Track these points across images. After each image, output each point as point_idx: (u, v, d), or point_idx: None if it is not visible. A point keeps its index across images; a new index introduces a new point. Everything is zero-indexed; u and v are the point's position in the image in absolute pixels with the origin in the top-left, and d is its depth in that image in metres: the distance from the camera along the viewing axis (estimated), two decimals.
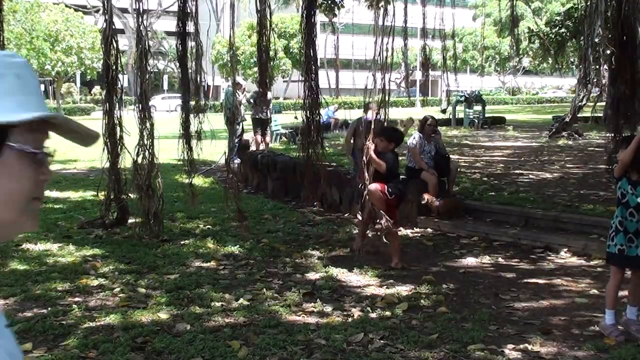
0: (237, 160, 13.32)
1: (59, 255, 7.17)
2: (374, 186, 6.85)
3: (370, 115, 8.26)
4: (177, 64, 8.02)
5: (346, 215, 9.39)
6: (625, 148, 4.70)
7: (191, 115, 8.04)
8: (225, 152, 8.91)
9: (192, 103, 8.20)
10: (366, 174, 6.73)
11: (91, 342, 4.62)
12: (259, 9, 7.94)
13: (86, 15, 45.76)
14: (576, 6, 20.51)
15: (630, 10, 8.60)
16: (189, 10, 8.07)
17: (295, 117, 12.18)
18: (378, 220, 6.80)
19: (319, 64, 8.41)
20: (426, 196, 8.65)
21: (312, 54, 8.08)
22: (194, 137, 8.05)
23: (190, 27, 8.14)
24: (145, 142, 7.86)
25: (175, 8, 8.25)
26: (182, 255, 7.22)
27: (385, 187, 6.89)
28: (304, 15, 8.07)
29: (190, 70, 8.01)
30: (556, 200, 9.01)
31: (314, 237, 8.11)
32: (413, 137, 9.24)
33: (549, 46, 24.87)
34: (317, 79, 8.12)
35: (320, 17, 15.49)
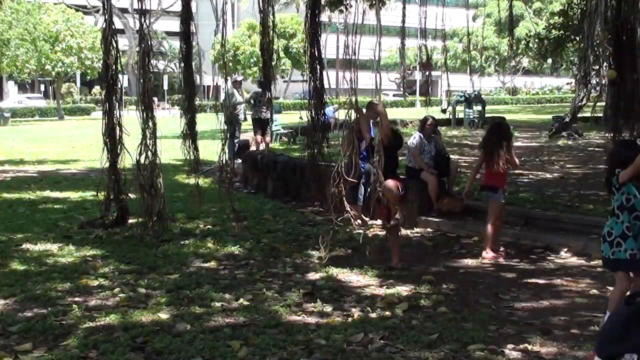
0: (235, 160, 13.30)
1: (59, 255, 7.17)
2: (392, 182, 6.68)
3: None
4: (178, 64, 8.02)
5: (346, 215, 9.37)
6: (632, 153, 4.58)
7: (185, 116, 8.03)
8: (225, 152, 8.90)
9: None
10: (379, 171, 6.51)
11: (91, 342, 4.62)
12: (262, 9, 7.94)
13: (86, 16, 45.77)
14: (572, 6, 20.48)
15: (630, 11, 8.60)
16: (192, 11, 8.08)
17: (300, 118, 12.18)
18: (393, 217, 6.76)
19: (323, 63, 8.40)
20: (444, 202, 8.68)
21: (316, 54, 8.07)
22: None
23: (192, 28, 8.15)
24: (148, 141, 7.86)
25: (174, 8, 8.25)
26: (182, 255, 7.22)
27: (399, 183, 6.80)
28: (309, 14, 8.06)
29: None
30: (556, 200, 9.01)
31: (314, 237, 8.10)
32: (413, 137, 9.24)
33: (547, 47, 24.86)
34: (322, 78, 8.11)
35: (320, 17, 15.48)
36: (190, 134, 8.05)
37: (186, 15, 7.94)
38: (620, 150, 4.84)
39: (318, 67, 8.07)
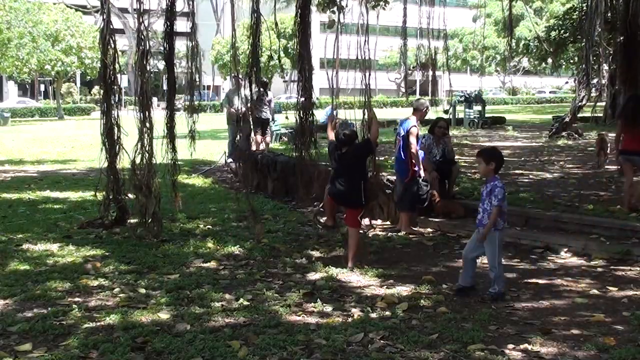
0: (229, 160, 13.27)
1: (59, 255, 7.17)
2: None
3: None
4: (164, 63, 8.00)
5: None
6: None
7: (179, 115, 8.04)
8: (225, 152, 8.89)
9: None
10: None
11: (91, 342, 4.62)
12: (254, 10, 7.91)
13: (86, 16, 45.73)
14: (575, 8, 20.53)
15: (633, 10, 8.60)
16: (187, 9, 8.07)
17: (287, 117, 12.13)
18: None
19: (318, 63, 8.35)
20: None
21: (306, 54, 8.02)
22: (181, 137, 8.10)
23: (183, 27, 8.14)
24: (145, 142, 7.85)
25: (178, 9, 8.21)
26: (182, 255, 7.22)
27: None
28: (299, 15, 8.02)
29: (179, 69, 8.01)
30: (556, 200, 9.01)
31: (314, 237, 8.10)
32: (423, 137, 9.17)
33: (546, 49, 24.90)
34: (311, 79, 8.05)
35: (321, 17, 15.44)
36: (170, 134, 8.02)
37: (170, 14, 7.93)
38: None
39: (307, 67, 8.00)
